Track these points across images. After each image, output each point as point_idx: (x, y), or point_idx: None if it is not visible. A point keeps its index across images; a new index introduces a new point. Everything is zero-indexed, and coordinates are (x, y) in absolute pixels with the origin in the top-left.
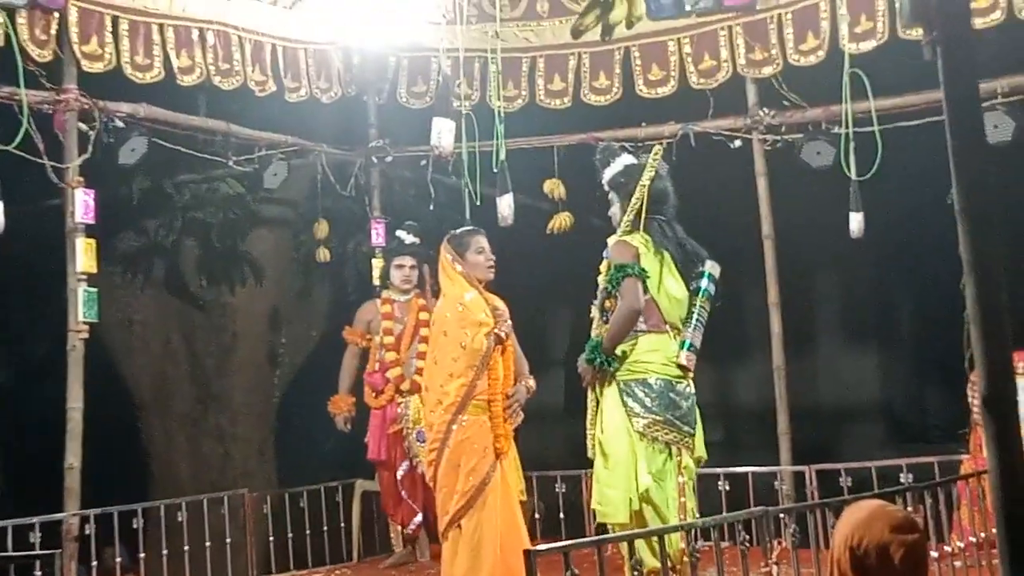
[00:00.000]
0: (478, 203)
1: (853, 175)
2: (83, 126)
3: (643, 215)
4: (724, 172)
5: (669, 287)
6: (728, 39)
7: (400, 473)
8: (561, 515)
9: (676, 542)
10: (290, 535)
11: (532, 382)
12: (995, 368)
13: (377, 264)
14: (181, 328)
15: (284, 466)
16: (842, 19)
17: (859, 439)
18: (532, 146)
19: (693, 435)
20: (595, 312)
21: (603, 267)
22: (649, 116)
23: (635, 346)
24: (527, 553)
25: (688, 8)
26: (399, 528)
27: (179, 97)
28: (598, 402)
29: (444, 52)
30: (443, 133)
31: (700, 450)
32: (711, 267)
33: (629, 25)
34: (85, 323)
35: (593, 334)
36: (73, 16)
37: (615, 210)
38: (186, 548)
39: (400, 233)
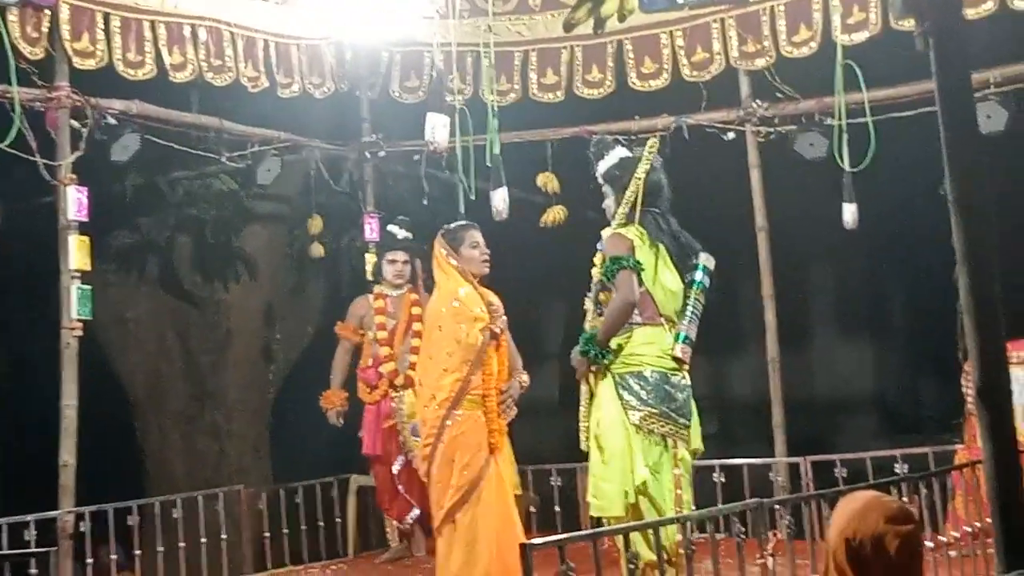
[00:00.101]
0: (472, 197)
1: (846, 166)
2: (75, 123)
3: (638, 208)
4: (717, 164)
5: (664, 280)
6: (721, 31)
7: (396, 468)
8: (556, 508)
9: (672, 534)
10: (285, 531)
11: (525, 377)
12: (989, 358)
13: (370, 259)
14: (175, 325)
15: (279, 462)
16: (835, 10)
17: (854, 430)
18: (525, 140)
19: (689, 427)
20: (589, 304)
21: (597, 260)
22: (642, 109)
23: (630, 339)
24: (523, 547)
25: (680, 1)
26: (394, 523)
27: (172, 94)
28: (591, 394)
29: (437, 47)
30: (437, 129)
31: (697, 442)
32: (705, 259)
33: (621, 18)
34: (79, 320)
35: (587, 326)
36: (65, 13)
37: (609, 203)
38: (181, 545)
39: (392, 228)
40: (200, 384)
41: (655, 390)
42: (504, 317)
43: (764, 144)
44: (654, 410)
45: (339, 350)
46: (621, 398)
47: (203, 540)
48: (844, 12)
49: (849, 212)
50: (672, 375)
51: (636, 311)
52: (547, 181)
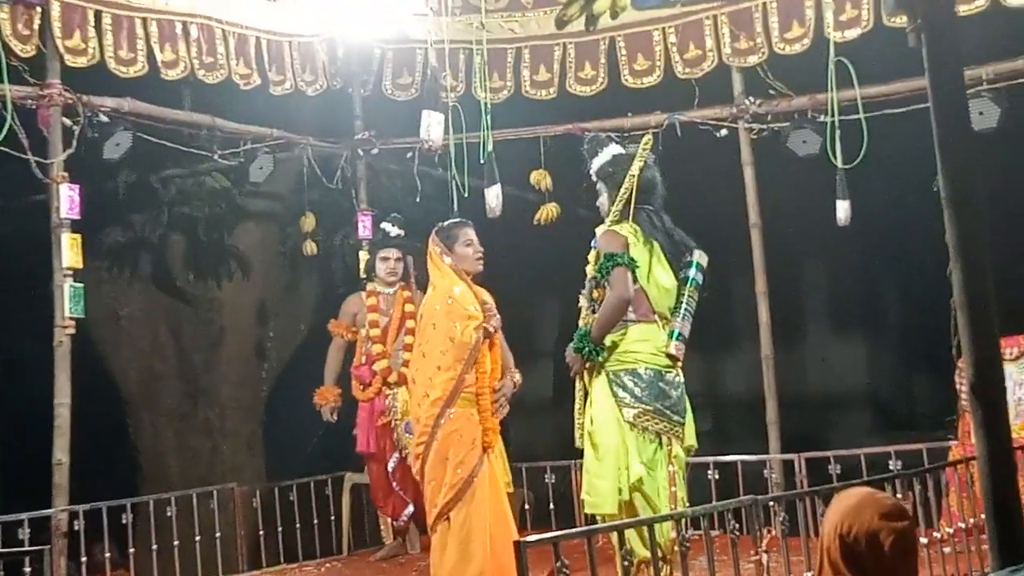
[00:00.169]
0: (465, 195)
1: (839, 163)
2: (67, 121)
3: (632, 205)
4: (710, 161)
5: (658, 277)
6: (713, 28)
7: (391, 465)
8: (551, 506)
9: (666, 531)
10: (280, 529)
11: (518, 376)
12: (983, 355)
13: (363, 257)
14: (168, 323)
15: (273, 460)
16: (827, 7)
17: (848, 427)
18: (518, 137)
19: (683, 424)
20: (583, 302)
21: (591, 257)
22: (635, 106)
23: (624, 336)
24: (517, 544)
25: None
26: (389, 521)
27: (163, 91)
28: (586, 391)
29: (431, 44)
30: (432, 126)
31: (691, 439)
32: (699, 256)
33: (614, 15)
34: (71, 318)
35: (581, 323)
36: (56, 11)
37: (603, 200)
38: (175, 543)
39: (385, 226)
40: (193, 382)
41: (649, 387)
42: (498, 316)
43: (757, 141)
44: (648, 407)
45: (332, 348)
46: (615, 395)
47: (197, 538)
48: (836, 9)
49: (842, 209)
50: (666, 372)
51: (630, 308)
52: (540, 178)
